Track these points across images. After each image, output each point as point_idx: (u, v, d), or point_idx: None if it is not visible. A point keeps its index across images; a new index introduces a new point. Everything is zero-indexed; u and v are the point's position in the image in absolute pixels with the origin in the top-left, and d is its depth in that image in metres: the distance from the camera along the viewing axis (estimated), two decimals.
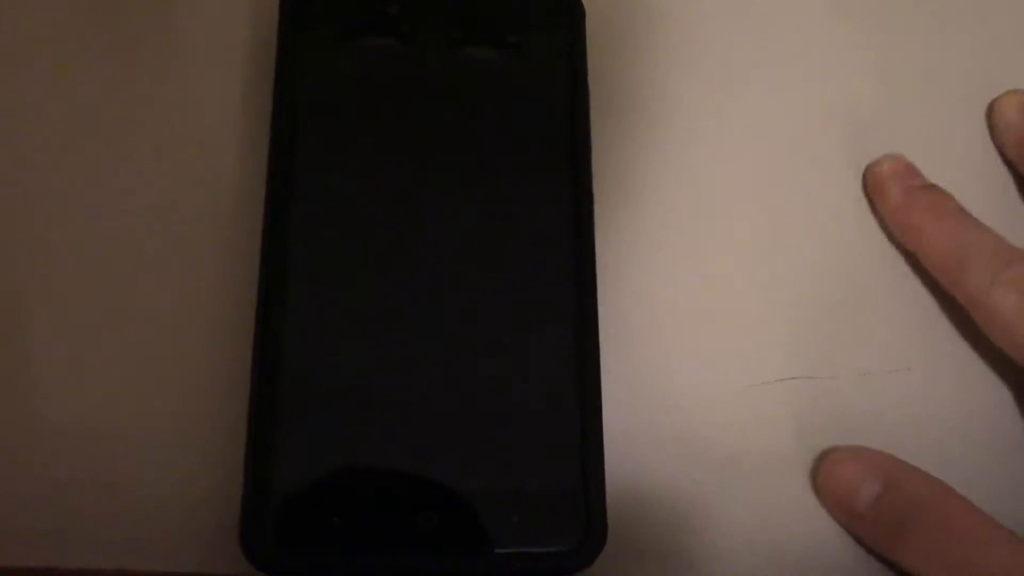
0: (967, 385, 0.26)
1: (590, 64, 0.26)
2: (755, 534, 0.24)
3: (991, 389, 0.26)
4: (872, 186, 0.27)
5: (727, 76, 0.28)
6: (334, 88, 0.25)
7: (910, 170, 0.27)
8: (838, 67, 0.29)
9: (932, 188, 0.26)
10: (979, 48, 0.29)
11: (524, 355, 0.23)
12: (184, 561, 0.22)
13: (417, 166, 0.25)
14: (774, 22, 0.29)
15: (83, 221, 0.25)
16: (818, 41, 0.29)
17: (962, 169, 0.28)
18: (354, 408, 0.23)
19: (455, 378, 0.23)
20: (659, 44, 0.28)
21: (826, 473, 0.24)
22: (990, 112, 0.28)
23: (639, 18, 0.28)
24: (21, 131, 0.26)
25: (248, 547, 0.21)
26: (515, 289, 0.24)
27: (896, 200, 0.26)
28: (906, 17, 0.29)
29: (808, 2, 0.29)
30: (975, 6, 0.29)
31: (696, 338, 0.26)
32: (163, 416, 0.23)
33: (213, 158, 0.26)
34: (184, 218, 0.25)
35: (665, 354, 0.25)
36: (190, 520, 0.23)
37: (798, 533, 0.24)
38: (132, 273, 0.25)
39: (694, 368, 0.25)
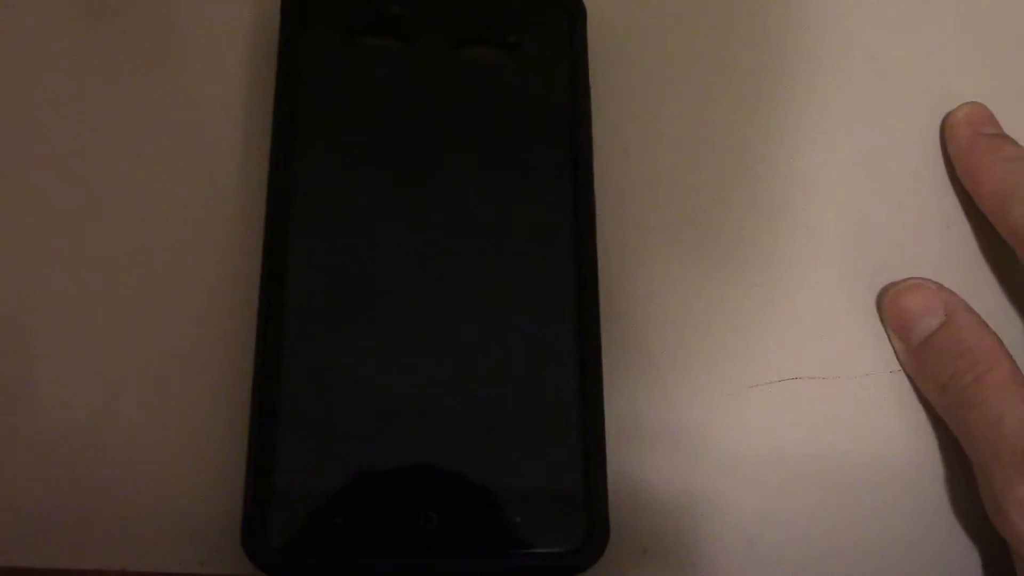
0: None
1: (591, 64, 0.26)
2: (755, 534, 0.24)
3: None
4: (946, 130, 0.28)
5: (727, 75, 0.28)
6: (335, 87, 0.25)
7: (984, 118, 0.28)
8: (837, 65, 0.29)
9: (999, 136, 0.27)
10: None
11: (526, 355, 0.23)
12: (186, 561, 0.22)
13: (418, 166, 0.25)
14: (774, 20, 0.29)
15: (83, 221, 0.25)
16: (817, 40, 0.29)
17: None
18: (356, 408, 0.23)
19: (457, 378, 0.23)
20: (659, 44, 0.28)
21: (893, 296, 0.25)
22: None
23: (639, 18, 0.28)
24: (21, 131, 0.25)
25: (250, 547, 0.21)
26: (517, 289, 0.24)
27: (962, 143, 0.27)
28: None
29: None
30: None
31: (696, 338, 0.26)
32: (165, 416, 0.23)
33: (214, 158, 0.26)
34: (185, 218, 0.25)
35: (666, 354, 0.25)
36: (192, 521, 0.23)
37: (798, 533, 0.24)
38: (132, 273, 0.25)
39: (694, 368, 0.25)
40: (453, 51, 0.26)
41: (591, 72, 0.26)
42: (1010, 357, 0.24)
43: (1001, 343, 0.24)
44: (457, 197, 0.25)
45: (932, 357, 0.25)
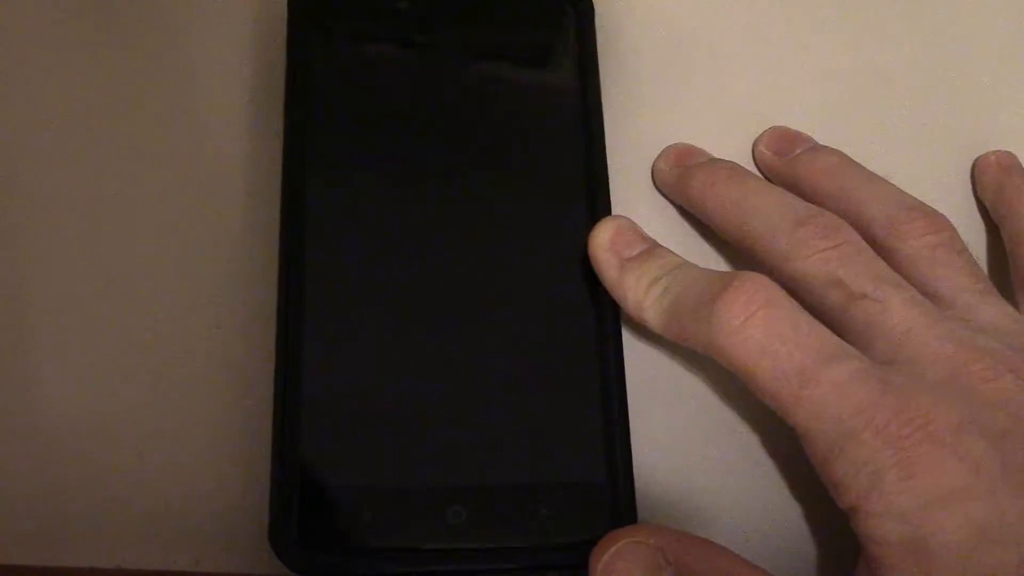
0: None
1: (600, 60, 0.26)
2: (751, 532, 0.24)
3: None
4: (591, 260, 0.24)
5: (728, 75, 0.29)
6: (345, 86, 0.25)
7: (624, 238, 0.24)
8: (835, 73, 0.29)
9: (645, 251, 0.24)
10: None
11: (549, 349, 0.23)
12: (181, 560, 0.22)
13: (429, 164, 0.25)
14: (775, 22, 0.29)
15: (90, 220, 0.24)
16: (815, 45, 0.30)
17: None
18: (381, 405, 0.22)
19: (481, 374, 0.23)
20: (665, 40, 0.28)
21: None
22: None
23: (647, 12, 0.29)
24: (23, 130, 0.25)
25: (278, 546, 0.21)
26: (536, 285, 0.24)
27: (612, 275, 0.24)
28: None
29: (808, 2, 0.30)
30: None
31: None
32: (161, 415, 0.23)
33: (221, 158, 0.25)
34: (193, 215, 0.25)
35: (674, 352, 0.26)
36: (187, 519, 0.22)
37: (796, 533, 0.25)
38: (138, 270, 0.24)
39: (699, 368, 0.26)
40: (461, 48, 0.26)
41: (600, 67, 0.26)
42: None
43: None
44: (470, 194, 0.25)
45: None
